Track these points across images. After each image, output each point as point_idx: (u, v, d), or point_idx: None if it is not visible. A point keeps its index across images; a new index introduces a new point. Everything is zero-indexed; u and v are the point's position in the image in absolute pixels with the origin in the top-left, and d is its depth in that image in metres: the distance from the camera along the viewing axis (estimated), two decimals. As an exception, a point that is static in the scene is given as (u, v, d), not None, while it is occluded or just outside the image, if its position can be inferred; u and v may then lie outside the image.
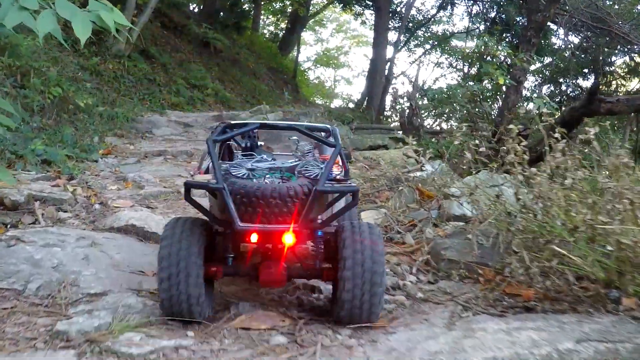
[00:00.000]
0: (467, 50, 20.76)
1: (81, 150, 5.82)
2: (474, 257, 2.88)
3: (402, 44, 25.37)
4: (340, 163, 2.47)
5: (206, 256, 2.13)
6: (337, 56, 39.85)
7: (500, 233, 2.84)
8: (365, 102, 23.00)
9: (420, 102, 8.13)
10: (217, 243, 2.27)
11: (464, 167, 3.74)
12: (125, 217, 3.48)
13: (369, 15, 26.24)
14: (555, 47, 16.06)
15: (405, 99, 7.92)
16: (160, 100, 11.04)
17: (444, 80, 23.19)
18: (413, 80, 8.45)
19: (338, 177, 2.30)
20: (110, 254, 2.85)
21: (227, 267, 2.20)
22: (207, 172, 2.39)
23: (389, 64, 23.31)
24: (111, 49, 11.25)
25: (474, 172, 3.55)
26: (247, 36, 22.68)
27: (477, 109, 7.56)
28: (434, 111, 9.54)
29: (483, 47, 8.37)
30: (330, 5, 29.99)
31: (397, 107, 7.72)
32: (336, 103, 35.25)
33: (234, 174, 2.19)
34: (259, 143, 2.73)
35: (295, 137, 2.84)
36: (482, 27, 22.18)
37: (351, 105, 31.67)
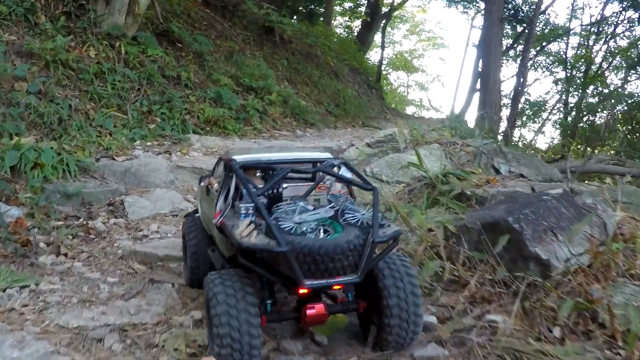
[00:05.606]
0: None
1: None
2: None
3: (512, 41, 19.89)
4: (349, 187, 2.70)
5: None
6: (410, 60, 36.81)
7: None
8: (476, 115, 17.23)
9: None
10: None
11: None
12: None
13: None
14: None
15: None
16: (183, 113, 5.86)
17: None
18: None
19: (382, 222, 2.38)
20: None
21: (270, 314, 2.43)
22: (224, 210, 2.50)
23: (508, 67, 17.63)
24: (100, 24, 6.25)
25: None
26: (321, 28, 17.46)
27: None
28: None
29: None
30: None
31: None
32: (409, 110, 31.22)
33: (283, 227, 2.26)
34: (283, 185, 2.64)
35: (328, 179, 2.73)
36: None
37: (435, 115, 26.71)
